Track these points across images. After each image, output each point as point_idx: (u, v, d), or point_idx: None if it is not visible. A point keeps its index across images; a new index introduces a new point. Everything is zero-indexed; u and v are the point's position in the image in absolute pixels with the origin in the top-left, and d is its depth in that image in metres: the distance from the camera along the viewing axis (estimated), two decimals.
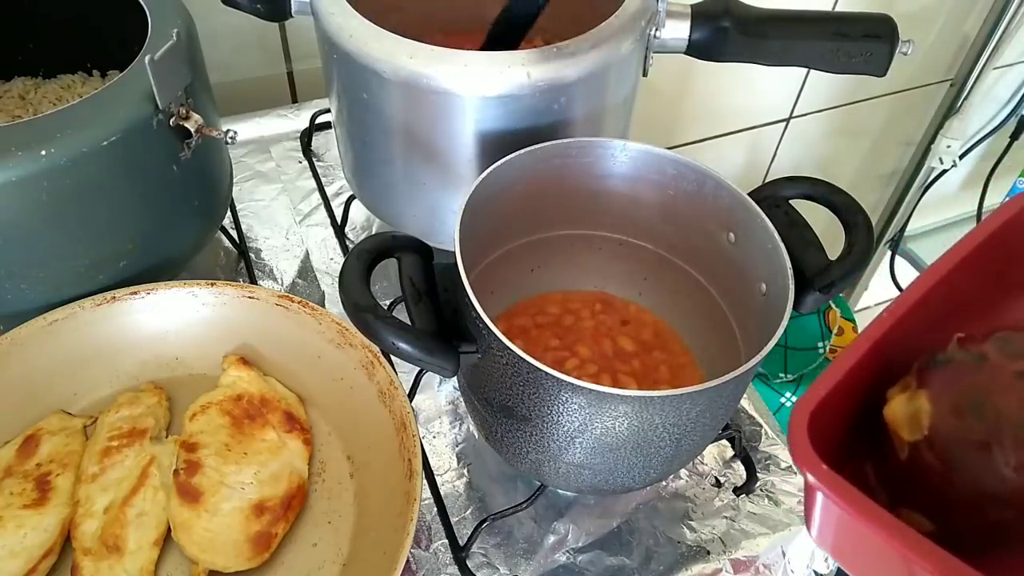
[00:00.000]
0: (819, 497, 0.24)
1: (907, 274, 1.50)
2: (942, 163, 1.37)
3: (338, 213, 0.71)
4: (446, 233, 0.58)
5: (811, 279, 0.45)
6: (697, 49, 0.57)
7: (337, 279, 0.44)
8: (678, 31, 0.56)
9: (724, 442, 0.58)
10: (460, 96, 0.51)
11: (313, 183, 0.74)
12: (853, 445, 0.28)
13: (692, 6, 0.56)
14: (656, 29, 0.55)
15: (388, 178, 0.59)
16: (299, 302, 0.54)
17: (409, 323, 0.43)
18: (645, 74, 0.58)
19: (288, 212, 0.72)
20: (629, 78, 0.57)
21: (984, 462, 0.24)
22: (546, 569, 0.51)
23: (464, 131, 0.53)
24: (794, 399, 1.16)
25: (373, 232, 0.71)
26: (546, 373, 0.39)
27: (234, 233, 0.68)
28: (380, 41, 0.51)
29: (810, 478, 0.24)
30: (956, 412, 0.25)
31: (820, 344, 1.20)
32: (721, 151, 1.22)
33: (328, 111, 0.77)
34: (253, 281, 0.65)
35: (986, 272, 0.30)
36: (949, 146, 1.35)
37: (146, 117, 0.49)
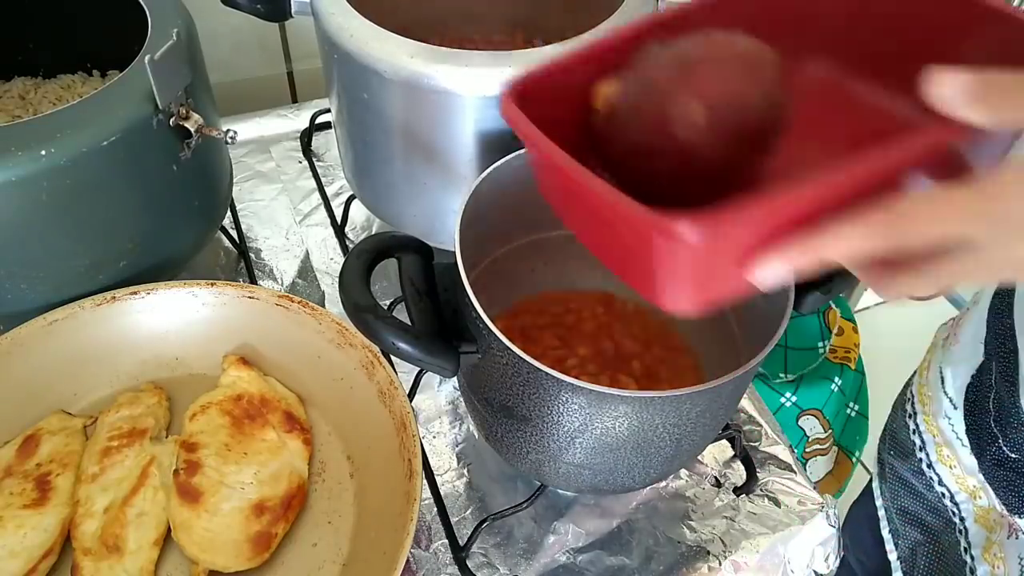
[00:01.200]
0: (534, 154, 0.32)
1: None
2: None
3: (338, 213, 0.71)
4: (446, 233, 0.58)
5: (812, 279, 0.45)
6: None
7: (337, 279, 0.44)
8: None
9: (724, 442, 0.58)
10: (460, 96, 0.51)
11: (313, 183, 0.74)
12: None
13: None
14: None
15: (388, 178, 0.59)
16: (299, 302, 0.54)
17: (409, 323, 0.43)
18: None
19: (288, 212, 0.71)
20: None
21: (643, 121, 0.31)
22: (546, 569, 0.51)
23: (464, 131, 0.53)
24: (794, 399, 1.16)
25: (373, 232, 0.71)
26: (546, 373, 0.39)
27: (234, 233, 0.68)
28: (380, 41, 0.51)
29: (508, 117, 0.31)
30: (632, 85, 0.32)
31: (820, 344, 1.20)
32: None
33: (328, 111, 0.78)
34: (253, 281, 0.65)
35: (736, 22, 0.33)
36: None
37: (146, 117, 0.49)
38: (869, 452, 1.27)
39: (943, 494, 0.60)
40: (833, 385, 1.19)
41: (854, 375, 1.21)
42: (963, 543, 0.58)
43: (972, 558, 0.57)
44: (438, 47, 0.50)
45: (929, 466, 0.61)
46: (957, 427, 0.56)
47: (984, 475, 0.54)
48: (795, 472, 0.57)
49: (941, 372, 0.59)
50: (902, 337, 1.58)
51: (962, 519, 0.58)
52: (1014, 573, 0.53)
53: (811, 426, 1.18)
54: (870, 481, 0.72)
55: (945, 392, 0.58)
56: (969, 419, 0.55)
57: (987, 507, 0.56)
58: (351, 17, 0.52)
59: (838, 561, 0.57)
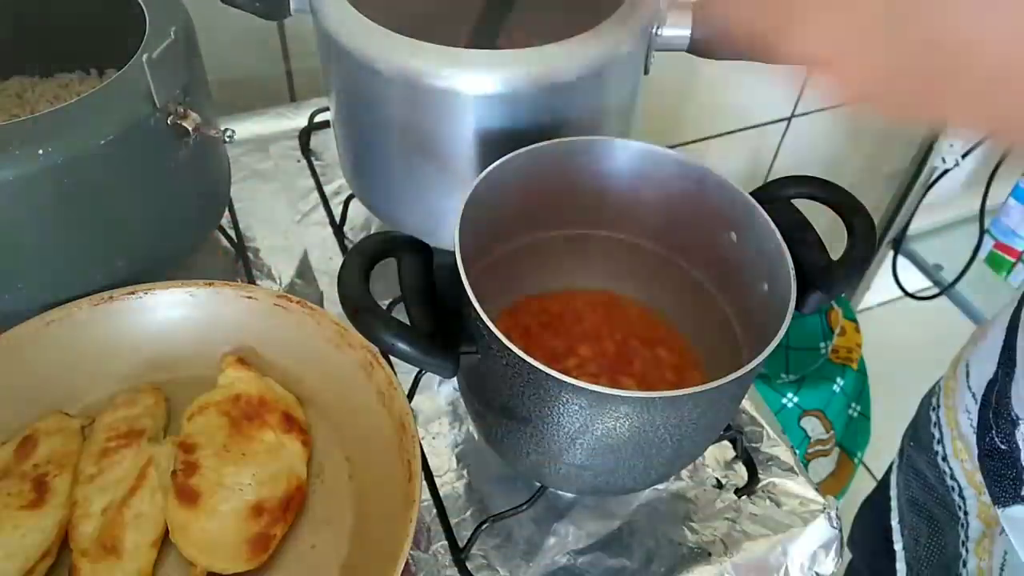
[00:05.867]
0: None
1: (909, 274, 1.50)
2: (944, 162, 1.37)
3: (337, 212, 0.70)
4: (446, 233, 0.57)
5: (813, 279, 0.45)
6: (699, 47, 0.56)
7: (336, 279, 0.44)
8: (680, 28, 0.55)
9: (725, 443, 0.58)
10: (460, 94, 0.50)
11: (312, 182, 0.74)
12: None
13: (694, 3, 0.56)
14: (658, 27, 0.55)
15: (388, 178, 0.59)
16: (297, 302, 0.54)
17: (408, 323, 0.43)
18: (646, 72, 0.58)
19: (286, 211, 0.71)
20: (631, 77, 0.56)
21: None
22: (546, 571, 0.51)
23: (464, 130, 0.52)
24: (796, 400, 1.16)
25: (372, 232, 0.71)
26: (546, 374, 0.39)
27: (232, 233, 0.68)
28: (379, 39, 0.51)
29: None
30: None
31: (822, 344, 1.20)
32: (723, 150, 1.22)
33: (327, 110, 0.77)
34: (251, 281, 0.65)
35: None
36: (951, 145, 1.34)
37: (144, 116, 0.48)
38: (871, 453, 1.27)
39: (952, 487, 0.61)
40: (835, 386, 1.18)
41: (856, 376, 1.21)
42: (962, 536, 0.59)
43: (967, 551, 0.59)
44: (438, 46, 0.50)
45: (944, 459, 0.62)
46: (975, 422, 0.57)
47: (979, 465, 0.55)
48: (797, 473, 0.57)
49: (968, 367, 0.61)
50: (905, 337, 1.58)
51: (966, 513, 0.59)
52: (996, 566, 0.55)
53: (813, 427, 1.17)
54: (884, 476, 0.73)
55: (969, 386, 0.59)
56: (980, 412, 0.56)
57: (988, 503, 0.57)
58: (349, 15, 0.52)
59: (840, 562, 0.56)
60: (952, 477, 0.61)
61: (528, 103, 0.51)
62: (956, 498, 0.60)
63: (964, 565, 0.58)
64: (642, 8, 0.54)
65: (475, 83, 0.50)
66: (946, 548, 0.61)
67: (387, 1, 0.56)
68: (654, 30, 0.55)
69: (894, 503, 0.70)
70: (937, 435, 0.63)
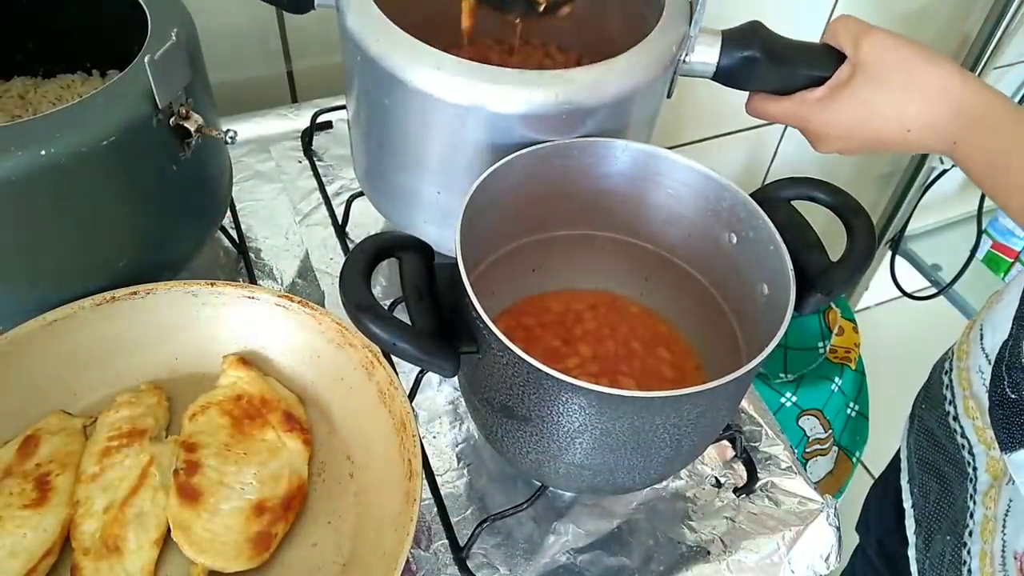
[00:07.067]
0: None
1: (907, 274, 1.50)
2: (942, 163, 1.37)
3: (339, 213, 0.71)
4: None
5: (812, 280, 0.45)
6: (725, 76, 0.55)
7: (337, 279, 0.44)
8: (707, 56, 0.54)
9: (725, 442, 0.58)
10: (484, 111, 0.49)
11: (313, 183, 0.74)
12: None
13: (723, 31, 0.55)
14: (686, 54, 0.54)
15: (402, 183, 0.58)
16: (299, 302, 0.54)
17: (409, 323, 0.43)
18: (669, 96, 0.57)
19: (288, 212, 0.71)
20: (654, 101, 0.56)
21: None
22: (546, 569, 0.51)
23: (484, 145, 0.52)
24: (794, 399, 1.16)
25: (374, 232, 0.71)
26: (546, 374, 0.39)
27: (234, 233, 0.68)
28: (406, 49, 0.50)
29: None
30: None
31: (820, 344, 1.20)
32: (722, 151, 1.22)
33: (329, 111, 0.77)
34: (253, 281, 0.65)
35: None
36: None
37: (145, 117, 0.48)
38: (869, 452, 1.27)
39: (963, 445, 0.63)
40: (833, 385, 1.19)
41: (854, 375, 1.21)
42: (970, 490, 0.61)
43: (974, 503, 0.60)
44: (465, 60, 0.49)
45: (955, 418, 0.64)
46: (988, 380, 0.59)
47: (989, 417, 0.56)
48: (795, 472, 0.57)
49: (982, 330, 0.62)
50: (902, 337, 1.58)
51: (975, 468, 0.61)
52: (1001, 512, 0.57)
53: (811, 426, 1.18)
54: (896, 454, 0.76)
55: (983, 348, 0.61)
56: (994, 369, 0.58)
57: (997, 458, 0.59)
58: (378, 20, 0.51)
59: (839, 560, 0.57)
60: (963, 435, 0.63)
61: (551, 123, 0.50)
62: (966, 455, 0.62)
63: (971, 516, 0.60)
64: (672, 36, 0.53)
65: (500, 101, 0.49)
66: (955, 502, 0.63)
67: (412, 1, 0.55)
68: (682, 57, 0.54)
69: (904, 464, 0.72)
70: (949, 396, 0.65)
